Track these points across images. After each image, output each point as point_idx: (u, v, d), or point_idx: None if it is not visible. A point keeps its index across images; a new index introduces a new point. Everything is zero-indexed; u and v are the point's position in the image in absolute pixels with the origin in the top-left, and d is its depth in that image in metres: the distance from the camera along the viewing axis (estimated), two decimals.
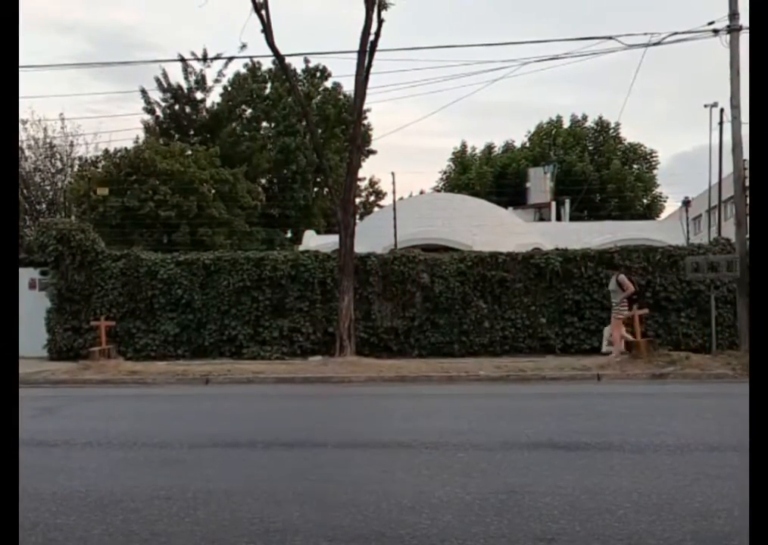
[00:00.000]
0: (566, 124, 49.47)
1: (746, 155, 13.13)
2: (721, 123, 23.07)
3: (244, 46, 23.63)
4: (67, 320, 15.97)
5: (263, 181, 39.44)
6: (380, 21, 14.36)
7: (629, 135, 61.16)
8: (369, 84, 14.67)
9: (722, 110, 23.09)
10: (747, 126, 10.13)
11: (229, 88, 39.70)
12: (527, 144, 49.67)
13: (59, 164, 35.03)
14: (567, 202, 40.66)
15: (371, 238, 21.36)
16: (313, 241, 30.05)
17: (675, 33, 13.24)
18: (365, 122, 39.11)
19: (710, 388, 9.66)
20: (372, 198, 49.78)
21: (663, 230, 30.56)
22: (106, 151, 33.87)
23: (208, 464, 4.63)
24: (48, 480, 4.03)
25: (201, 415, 7.80)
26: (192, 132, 37.91)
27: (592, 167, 45.02)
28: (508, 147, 50.54)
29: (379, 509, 3.25)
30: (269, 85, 41.70)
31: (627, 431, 5.74)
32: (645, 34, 13.37)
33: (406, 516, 3.13)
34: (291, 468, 4.48)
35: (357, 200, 32.22)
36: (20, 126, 31.55)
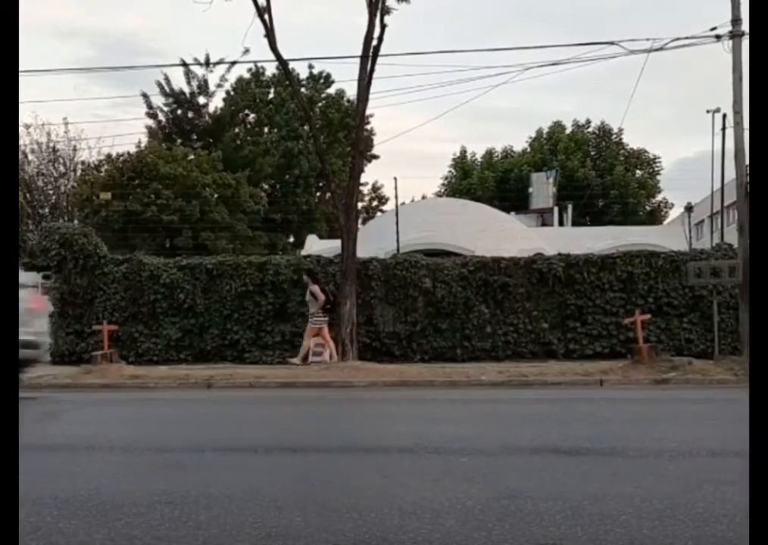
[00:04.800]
0: (567, 129, 49.45)
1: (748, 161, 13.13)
2: (723, 129, 23.08)
3: (247, 51, 23.81)
4: (70, 324, 15.99)
5: (265, 185, 39.47)
6: (383, 26, 14.43)
7: (631, 140, 61.17)
8: (372, 89, 14.73)
9: (724, 116, 23.10)
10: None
11: (232, 93, 39.74)
12: (528, 150, 49.65)
13: (62, 168, 35.12)
14: (570, 207, 40.63)
15: (373, 242, 21.36)
16: (316, 245, 30.07)
17: (678, 39, 13.26)
18: (368, 127, 39.16)
19: (712, 394, 9.65)
20: (374, 203, 49.80)
21: (666, 236, 30.53)
22: (109, 155, 33.95)
23: (210, 468, 4.64)
24: (50, 484, 4.03)
25: (202, 419, 7.80)
26: (194, 137, 37.97)
27: (594, 173, 44.98)
28: (507, 154, 50.52)
29: (380, 514, 3.25)
30: (272, 89, 41.74)
31: (629, 436, 5.73)
32: (648, 39, 13.40)
33: (408, 521, 3.13)
34: (293, 473, 4.48)
35: (360, 204, 32.14)
36: (24, 130, 31.66)
